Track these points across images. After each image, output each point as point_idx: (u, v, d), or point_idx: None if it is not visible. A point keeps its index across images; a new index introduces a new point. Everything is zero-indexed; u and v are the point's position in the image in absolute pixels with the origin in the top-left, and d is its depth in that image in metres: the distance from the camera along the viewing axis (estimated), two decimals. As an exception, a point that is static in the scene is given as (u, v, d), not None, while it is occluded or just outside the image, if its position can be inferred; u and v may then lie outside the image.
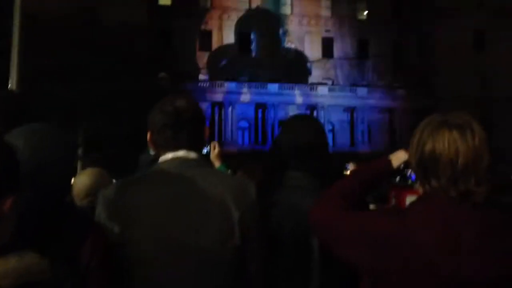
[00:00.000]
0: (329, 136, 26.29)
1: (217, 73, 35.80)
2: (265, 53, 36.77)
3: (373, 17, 38.21)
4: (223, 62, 36.20)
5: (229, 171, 3.05)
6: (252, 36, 36.99)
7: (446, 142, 1.34)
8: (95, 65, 22.15)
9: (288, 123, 2.12)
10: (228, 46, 36.71)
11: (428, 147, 1.37)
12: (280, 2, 37.85)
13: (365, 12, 38.95)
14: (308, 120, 2.12)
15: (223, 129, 35.22)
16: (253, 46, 37.09)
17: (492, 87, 35.47)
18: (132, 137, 17.52)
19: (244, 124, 35.95)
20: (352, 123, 37.47)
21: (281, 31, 37.36)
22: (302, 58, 37.74)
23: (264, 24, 36.77)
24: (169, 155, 1.68)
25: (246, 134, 35.64)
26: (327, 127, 33.82)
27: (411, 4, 37.46)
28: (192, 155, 1.69)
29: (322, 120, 33.45)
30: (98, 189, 2.28)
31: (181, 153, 1.68)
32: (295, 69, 36.32)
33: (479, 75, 35.26)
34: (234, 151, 32.21)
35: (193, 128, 1.70)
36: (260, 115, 36.07)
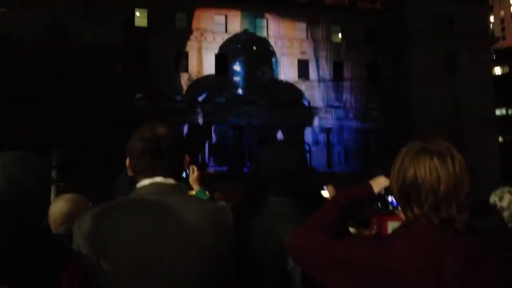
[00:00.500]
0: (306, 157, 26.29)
1: (195, 94, 35.75)
2: (243, 75, 36.96)
3: (347, 40, 38.87)
4: (201, 84, 36.20)
5: (207, 193, 3.03)
6: (229, 58, 37.14)
7: (427, 169, 1.35)
8: (71, 86, 21.92)
9: (271, 148, 2.09)
10: (206, 67, 36.78)
11: (410, 174, 1.38)
12: (256, 25, 38.20)
13: (340, 35, 39.57)
14: (291, 145, 2.10)
15: (201, 150, 35.03)
16: (230, 68, 37.25)
17: (463, 109, 36.28)
18: (108, 158, 17.30)
19: (222, 145, 35.85)
20: (328, 144, 37.74)
21: (259, 53, 37.58)
22: (280, 80, 37.98)
23: (242, 46, 37.02)
24: (146, 181, 1.66)
25: (224, 155, 35.48)
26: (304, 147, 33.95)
27: (384, 28, 38.26)
28: (170, 181, 1.67)
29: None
30: (76, 215, 2.24)
31: (158, 179, 1.66)
32: (273, 91, 36.49)
33: (451, 97, 36.07)
34: (211, 172, 32.05)
35: (172, 156, 1.69)
36: (238, 136, 36.06)
